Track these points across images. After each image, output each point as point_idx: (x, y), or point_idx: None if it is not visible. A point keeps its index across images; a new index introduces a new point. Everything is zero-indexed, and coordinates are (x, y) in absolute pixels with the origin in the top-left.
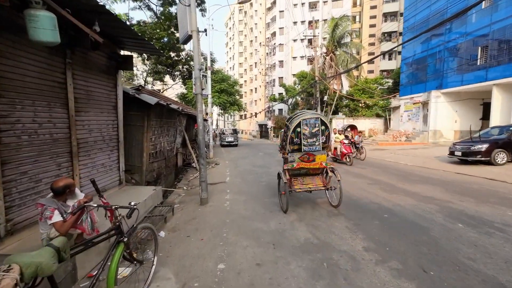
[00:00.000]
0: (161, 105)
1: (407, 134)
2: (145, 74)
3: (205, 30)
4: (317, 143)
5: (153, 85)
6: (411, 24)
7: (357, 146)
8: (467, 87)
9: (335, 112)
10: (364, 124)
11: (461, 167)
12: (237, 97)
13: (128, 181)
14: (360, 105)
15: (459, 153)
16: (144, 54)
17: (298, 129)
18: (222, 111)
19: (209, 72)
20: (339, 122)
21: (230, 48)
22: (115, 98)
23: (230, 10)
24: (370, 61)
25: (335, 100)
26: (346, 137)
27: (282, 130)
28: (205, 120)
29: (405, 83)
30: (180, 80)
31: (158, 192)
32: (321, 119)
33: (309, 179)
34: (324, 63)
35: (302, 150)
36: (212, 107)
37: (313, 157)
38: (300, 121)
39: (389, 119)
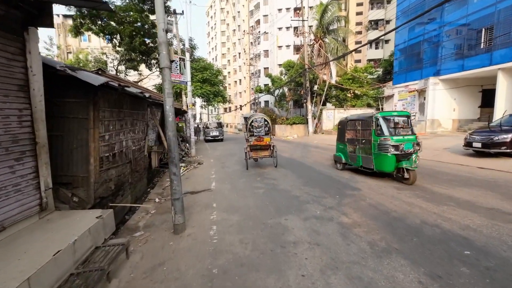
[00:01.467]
0: (115, 89)
1: None
2: (116, 62)
3: (183, 12)
4: (262, 131)
5: (126, 74)
6: (405, 7)
7: None
8: (467, 72)
9: (325, 103)
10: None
11: (483, 160)
12: (221, 87)
13: (67, 202)
14: (349, 95)
15: (478, 145)
16: (114, 40)
17: (252, 124)
18: (205, 103)
19: (187, 55)
20: (329, 113)
21: (212, 38)
22: (24, 72)
23: None
24: (357, 50)
25: (325, 89)
26: None
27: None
28: (184, 112)
29: (399, 71)
30: (157, 69)
31: (108, 220)
32: (264, 118)
33: (261, 152)
34: (313, 51)
35: (255, 134)
36: (194, 98)
37: (262, 138)
38: (252, 119)
39: (382, 108)
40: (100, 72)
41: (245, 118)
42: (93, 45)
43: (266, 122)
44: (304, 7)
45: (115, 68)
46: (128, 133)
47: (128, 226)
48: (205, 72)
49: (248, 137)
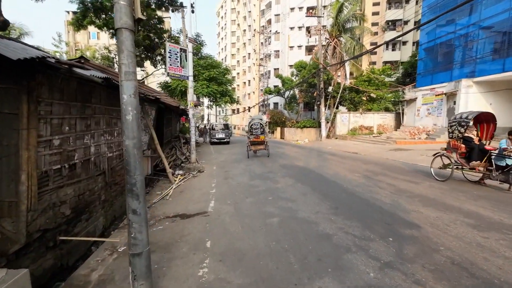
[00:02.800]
0: (72, 73)
1: (427, 131)
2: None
3: (192, 6)
4: (258, 131)
5: None
6: (432, 2)
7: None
8: (509, 74)
9: (337, 106)
10: (373, 119)
11: None
12: (229, 87)
13: None
14: (364, 98)
15: None
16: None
17: (252, 126)
18: (211, 103)
19: (189, 45)
20: (344, 116)
21: (222, 38)
22: None
23: None
24: (373, 52)
25: (340, 91)
26: (465, 140)
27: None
28: (183, 110)
29: (424, 72)
30: (163, 66)
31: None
32: (260, 122)
33: (258, 146)
34: (327, 51)
35: (253, 133)
36: (200, 97)
37: (258, 137)
38: (251, 123)
39: (403, 113)
40: (82, 61)
41: (249, 122)
42: (102, 42)
43: (261, 125)
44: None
45: (117, 63)
46: (101, 136)
47: (74, 279)
48: (212, 70)
49: (249, 135)
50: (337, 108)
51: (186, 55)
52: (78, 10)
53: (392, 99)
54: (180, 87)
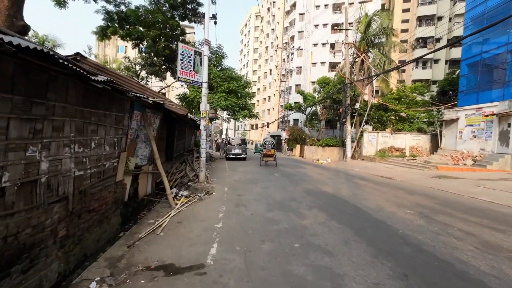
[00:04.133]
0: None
1: (473, 157)
2: (137, 67)
3: (214, 16)
4: (270, 146)
5: (148, 81)
6: (478, 12)
7: None
8: None
9: (363, 125)
10: (405, 140)
11: None
12: (248, 101)
13: None
14: (393, 117)
15: None
16: (141, 45)
17: (265, 142)
18: (229, 116)
19: (206, 48)
20: (371, 136)
21: (245, 55)
22: None
23: (247, 16)
24: (402, 69)
25: (368, 109)
26: None
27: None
28: (190, 119)
29: (468, 90)
30: None
31: None
32: (271, 140)
33: (269, 158)
34: (353, 67)
35: (266, 148)
36: (218, 109)
37: (269, 151)
38: (265, 140)
39: (441, 135)
40: (79, 58)
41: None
42: (129, 55)
43: (272, 142)
44: (341, 24)
45: (136, 72)
46: (64, 147)
47: None
48: (231, 82)
49: (263, 149)
50: (362, 127)
51: (201, 59)
52: (103, 21)
53: (425, 119)
54: (197, 99)
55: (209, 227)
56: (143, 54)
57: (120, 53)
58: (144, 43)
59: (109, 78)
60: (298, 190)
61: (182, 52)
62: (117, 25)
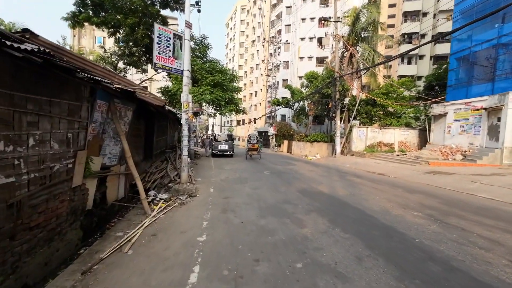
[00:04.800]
0: None
1: (462, 151)
2: (114, 57)
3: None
4: (254, 141)
5: (126, 72)
6: (468, 6)
7: None
8: None
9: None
10: (394, 135)
11: None
12: (235, 95)
13: None
14: (380, 112)
15: None
16: (118, 34)
17: (250, 138)
18: (215, 111)
19: (187, 31)
20: (361, 131)
21: (230, 49)
22: None
23: (232, 9)
24: (387, 65)
25: (357, 104)
26: None
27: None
28: (172, 113)
29: (456, 84)
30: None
31: None
32: (256, 135)
33: (253, 151)
34: (342, 61)
35: (250, 143)
36: (204, 105)
37: (253, 145)
38: (250, 136)
39: (429, 130)
40: (28, 36)
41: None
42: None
43: (256, 137)
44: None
45: (112, 63)
46: None
47: None
48: (217, 75)
49: (247, 144)
50: (351, 122)
51: (181, 44)
52: (75, 6)
53: (412, 114)
54: (181, 91)
55: (190, 241)
56: (120, 43)
57: (98, 44)
58: (122, 31)
59: (40, 48)
60: (292, 190)
61: (159, 34)
62: (90, 12)
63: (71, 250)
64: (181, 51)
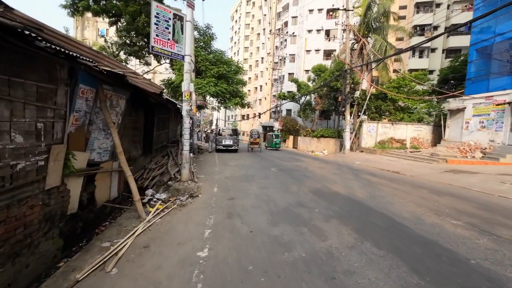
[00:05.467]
0: None
1: (482, 149)
2: (114, 47)
3: None
4: (255, 136)
5: (127, 63)
6: None
7: None
8: None
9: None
10: (406, 131)
11: None
12: (240, 88)
13: None
14: (391, 107)
15: None
16: (119, 24)
17: (252, 133)
18: (219, 105)
19: (189, 12)
20: (371, 127)
21: (235, 42)
22: None
23: (238, 1)
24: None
25: (367, 98)
26: None
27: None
28: (172, 103)
29: (476, 77)
30: (167, 61)
31: None
32: (257, 131)
33: (254, 145)
34: (352, 54)
35: (252, 137)
36: (208, 98)
37: (255, 139)
38: (252, 132)
39: (444, 125)
40: (1, 9)
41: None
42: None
43: (257, 132)
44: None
45: (113, 53)
46: None
47: None
48: (221, 66)
49: (250, 138)
50: (360, 117)
51: (182, 26)
52: None
53: (425, 109)
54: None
55: (189, 258)
56: (121, 32)
57: (101, 35)
58: (123, 20)
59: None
60: (304, 190)
61: (157, 14)
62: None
63: (47, 263)
64: (182, 34)
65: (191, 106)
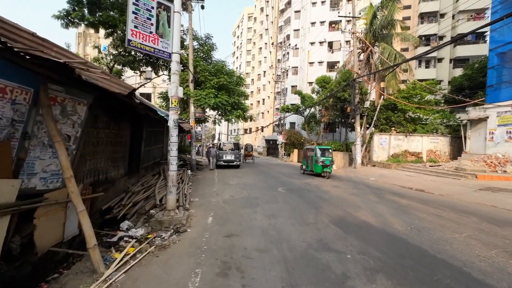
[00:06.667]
0: None
1: None
2: (109, 58)
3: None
4: (250, 150)
5: (122, 75)
6: None
7: None
8: None
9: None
10: (421, 143)
11: None
12: (242, 100)
13: None
14: (402, 118)
15: None
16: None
17: (247, 147)
18: (220, 117)
19: (177, 2)
20: (383, 139)
21: (237, 57)
22: None
23: (239, 17)
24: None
25: (377, 109)
26: None
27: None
28: (154, 112)
29: (498, 84)
30: (165, 72)
31: None
32: (251, 145)
33: (248, 157)
34: (359, 64)
35: (246, 151)
36: (207, 110)
37: (249, 152)
38: (246, 145)
39: (465, 137)
40: None
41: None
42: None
43: (251, 146)
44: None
45: (109, 67)
46: None
47: None
48: (222, 77)
49: (244, 152)
50: (370, 129)
51: (169, 17)
52: (68, 4)
53: (439, 120)
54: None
55: None
56: (115, 40)
57: (104, 51)
58: (119, 32)
59: None
60: (324, 220)
61: (136, 0)
62: (86, 10)
63: None
64: (169, 28)
65: (187, 118)
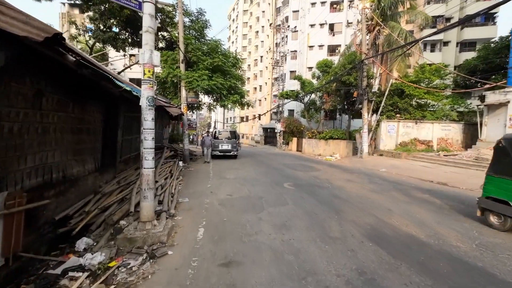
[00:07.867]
0: None
1: None
2: (87, 35)
3: None
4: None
5: (105, 54)
6: None
7: None
8: None
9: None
10: (431, 130)
11: None
12: (240, 85)
13: None
14: (410, 104)
15: None
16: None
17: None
18: (214, 103)
19: None
20: (390, 126)
21: (233, 42)
22: None
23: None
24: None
25: (386, 93)
26: None
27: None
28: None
29: None
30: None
31: None
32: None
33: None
34: (360, 45)
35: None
36: (200, 93)
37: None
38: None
39: (481, 123)
40: None
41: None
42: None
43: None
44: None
45: (88, 45)
46: None
47: None
48: (216, 57)
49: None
50: (377, 115)
51: None
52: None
53: (449, 106)
54: (171, 78)
55: None
56: (90, 12)
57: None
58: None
59: None
60: (353, 232)
61: None
62: None
63: None
64: None
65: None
